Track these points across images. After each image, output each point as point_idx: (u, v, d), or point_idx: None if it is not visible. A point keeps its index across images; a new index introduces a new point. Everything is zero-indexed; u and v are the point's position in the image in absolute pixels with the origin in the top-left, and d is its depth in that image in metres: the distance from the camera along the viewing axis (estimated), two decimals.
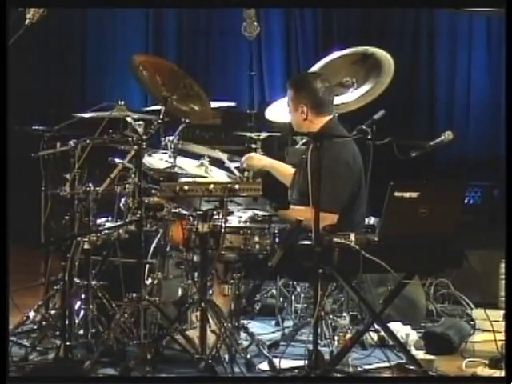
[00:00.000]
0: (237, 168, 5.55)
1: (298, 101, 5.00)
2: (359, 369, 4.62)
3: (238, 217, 4.83)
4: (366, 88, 5.65)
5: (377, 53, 5.64)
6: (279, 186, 5.47)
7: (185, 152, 5.48)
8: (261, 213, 4.90)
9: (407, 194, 4.30)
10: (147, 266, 4.99)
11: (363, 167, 4.99)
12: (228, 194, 4.58)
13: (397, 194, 4.28)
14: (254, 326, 5.42)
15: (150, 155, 5.32)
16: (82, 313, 4.85)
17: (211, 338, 4.59)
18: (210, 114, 5.31)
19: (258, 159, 5.42)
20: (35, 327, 5.04)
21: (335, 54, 5.70)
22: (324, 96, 5.01)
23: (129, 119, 5.13)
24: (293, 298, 5.76)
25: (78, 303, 4.87)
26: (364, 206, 5.02)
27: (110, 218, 5.12)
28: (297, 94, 5.02)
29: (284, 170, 5.38)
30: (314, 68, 5.64)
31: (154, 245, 5.09)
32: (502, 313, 4.88)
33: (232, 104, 6.48)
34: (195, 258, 4.84)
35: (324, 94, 5.01)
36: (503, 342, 4.35)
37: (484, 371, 4.62)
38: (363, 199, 4.99)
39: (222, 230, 4.60)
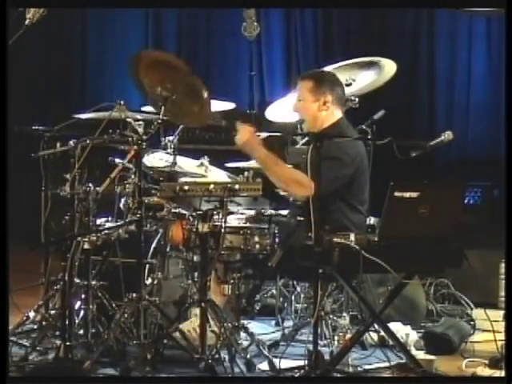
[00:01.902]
0: (237, 168, 5.56)
1: (321, 91, 4.96)
2: (359, 369, 4.62)
3: (239, 215, 4.84)
4: (359, 85, 5.69)
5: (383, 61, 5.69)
6: None
7: (185, 152, 5.48)
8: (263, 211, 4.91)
9: (407, 194, 4.30)
10: (147, 265, 5.00)
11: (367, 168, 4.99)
12: (228, 194, 4.58)
13: (397, 193, 4.28)
14: (254, 326, 5.42)
15: (149, 155, 5.32)
16: (81, 313, 4.85)
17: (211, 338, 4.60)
18: (210, 116, 5.25)
19: (249, 141, 4.83)
20: (35, 327, 5.04)
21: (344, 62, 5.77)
22: (343, 91, 5.09)
23: (129, 119, 5.13)
24: (293, 298, 5.77)
25: (78, 303, 4.87)
26: (366, 205, 5.00)
27: (109, 218, 5.13)
28: (320, 85, 4.98)
29: (277, 164, 4.90)
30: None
31: (154, 245, 5.09)
32: (501, 313, 4.89)
33: (232, 105, 6.47)
34: (195, 258, 4.85)
35: (343, 89, 5.10)
36: (503, 341, 4.35)
37: (484, 371, 4.62)
38: (365, 198, 4.98)
39: (222, 230, 4.60)
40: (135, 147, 4.76)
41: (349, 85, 5.64)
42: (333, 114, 4.98)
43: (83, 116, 5.35)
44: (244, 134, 4.87)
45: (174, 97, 5.00)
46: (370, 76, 5.80)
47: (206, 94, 5.02)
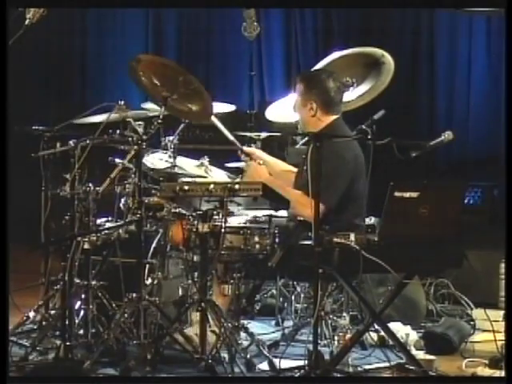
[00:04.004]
0: (237, 168, 5.55)
1: (308, 97, 4.93)
2: (359, 369, 4.62)
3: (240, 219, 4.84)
4: (365, 87, 5.66)
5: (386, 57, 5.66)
6: None
7: (185, 152, 5.48)
8: (261, 213, 4.90)
9: (407, 194, 4.30)
10: (147, 265, 5.00)
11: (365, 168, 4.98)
12: (228, 194, 4.58)
13: (397, 193, 4.28)
14: (254, 326, 5.42)
15: (149, 155, 5.32)
16: (81, 313, 4.85)
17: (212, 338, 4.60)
18: (212, 111, 5.22)
19: (259, 175, 5.00)
20: (35, 327, 5.04)
21: (346, 51, 5.70)
22: (335, 95, 4.95)
23: (129, 119, 5.13)
24: (293, 298, 5.76)
25: (78, 303, 4.87)
26: (364, 207, 5.00)
27: (109, 218, 5.13)
28: (308, 90, 4.94)
29: (284, 189, 4.99)
30: (323, 64, 5.61)
31: (154, 245, 5.09)
32: (502, 313, 4.88)
33: (232, 107, 6.48)
34: (195, 258, 4.85)
35: (335, 93, 4.95)
36: (503, 341, 4.35)
37: (484, 371, 4.62)
38: (363, 201, 4.98)
39: (222, 230, 4.60)
40: (135, 147, 4.76)
41: (350, 85, 5.62)
42: (320, 120, 4.93)
43: (83, 120, 5.34)
44: (252, 175, 5.01)
45: (175, 96, 5.01)
46: (370, 81, 5.77)
47: (206, 94, 5.02)
